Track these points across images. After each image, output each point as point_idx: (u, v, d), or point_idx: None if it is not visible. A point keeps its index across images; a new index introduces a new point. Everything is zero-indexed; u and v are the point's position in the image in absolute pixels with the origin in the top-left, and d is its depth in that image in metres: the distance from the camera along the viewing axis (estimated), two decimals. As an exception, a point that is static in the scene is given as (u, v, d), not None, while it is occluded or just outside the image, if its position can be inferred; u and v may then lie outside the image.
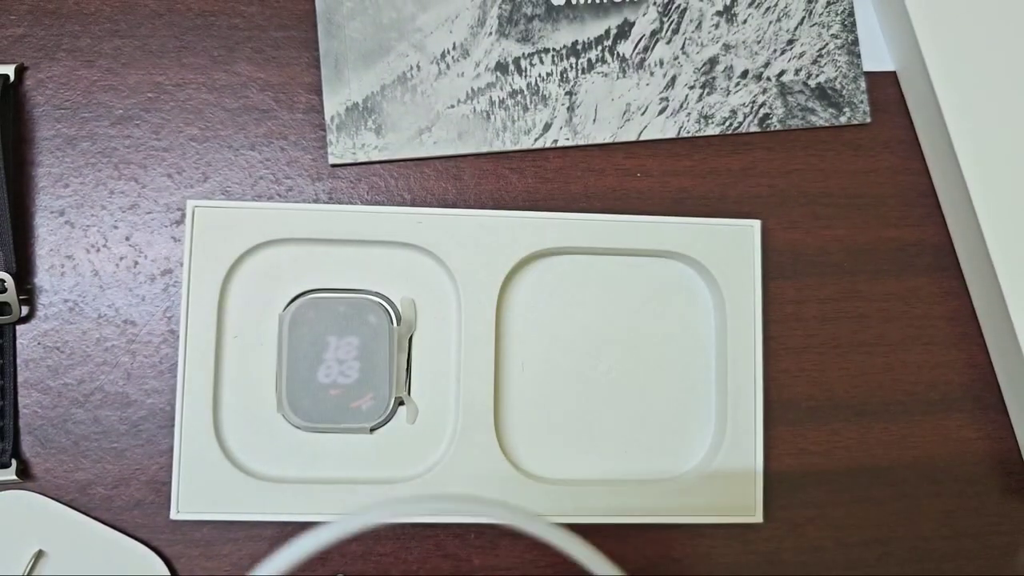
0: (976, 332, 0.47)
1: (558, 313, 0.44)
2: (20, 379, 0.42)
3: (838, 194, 0.47)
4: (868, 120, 0.47)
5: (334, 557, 0.43)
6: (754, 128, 0.46)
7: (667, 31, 0.46)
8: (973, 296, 0.46)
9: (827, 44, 0.47)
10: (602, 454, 0.43)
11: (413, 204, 0.45)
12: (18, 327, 0.43)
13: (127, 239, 0.43)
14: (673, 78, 0.46)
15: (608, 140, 0.45)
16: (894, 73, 0.48)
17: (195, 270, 0.41)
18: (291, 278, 0.42)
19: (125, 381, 0.43)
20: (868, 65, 0.47)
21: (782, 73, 0.46)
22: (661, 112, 0.46)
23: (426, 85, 0.45)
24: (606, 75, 0.46)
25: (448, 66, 0.45)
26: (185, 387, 0.40)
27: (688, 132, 0.46)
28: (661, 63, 0.46)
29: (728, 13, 0.46)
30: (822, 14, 0.47)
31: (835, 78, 0.47)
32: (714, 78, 0.46)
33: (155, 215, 0.44)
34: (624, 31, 0.46)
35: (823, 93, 0.47)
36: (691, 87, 0.46)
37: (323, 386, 0.41)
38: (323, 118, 0.45)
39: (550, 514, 0.41)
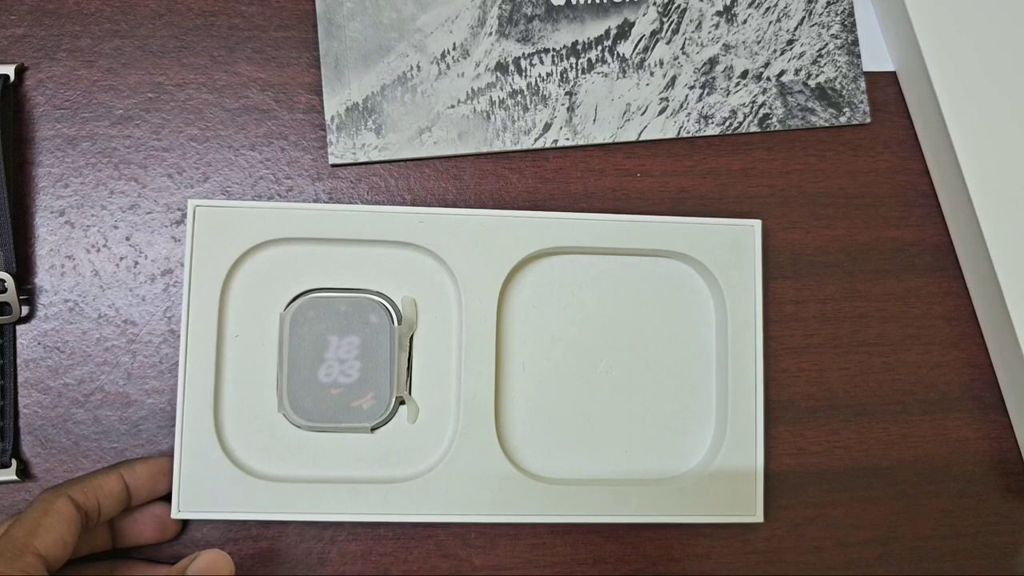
0: (976, 332, 0.47)
1: (558, 313, 0.44)
2: (20, 379, 0.42)
3: (838, 194, 0.47)
4: (868, 120, 0.47)
5: (334, 557, 0.43)
6: (754, 128, 0.46)
7: (667, 31, 0.46)
8: (973, 296, 0.46)
9: (827, 44, 0.47)
10: (602, 454, 0.43)
11: (413, 204, 0.45)
12: (18, 327, 0.43)
13: (127, 239, 0.43)
14: (673, 78, 0.46)
15: (608, 140, 0.45)
16: (894, 73, 0.48)
17: (196, 269, 0.41)
18: (292, 277, 0.42)
19: (125, 381, 0.43)
20: (868, 65, 0.47)
21: (782, 73, 0.47)
22: (661, 112, 0.46)
23: (426, 85, 0.45)
24: (606, 75, 0.46)
25: (448, 66, 0.45)
26: (186, 387, 0.40)
27: (688, 132, 0.46)
28: (661, 63, 0.46)
29: (728, 13, 0.46)
30: (822, 14, 0.47)
31: (835, 78, 0.47)
32: (714, 78, 0.46)
33: (155, 215, 0.44)
34: (624, 31, 0.46)
35: (823, 93, 0.47)
36: (691, 87, 0.46)
37: (324, 385, 0.41)
38: (323, 118, 0.45)
39: (550, 514, 0.41)
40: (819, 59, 0.47)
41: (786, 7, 0.47)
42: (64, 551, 0.34)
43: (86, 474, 0.38)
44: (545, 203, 0.45)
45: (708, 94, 0.46)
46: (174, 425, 0.41)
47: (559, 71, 0.45)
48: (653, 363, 0.44)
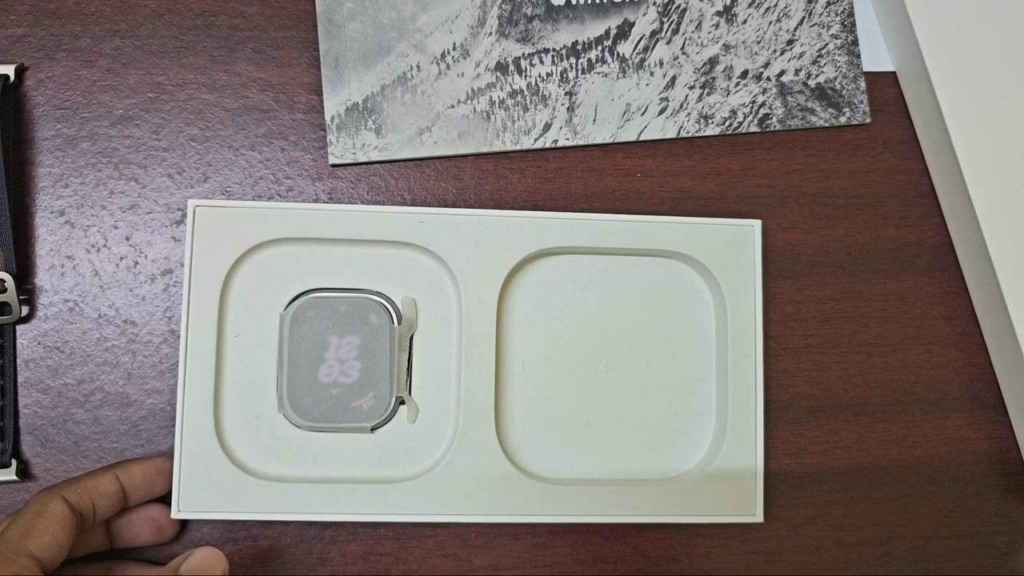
0: (976, 332, 0.47)
1: (558, 313, 0.44)
2: (20, 379, 0.42)
3: (838, 194, 0.47)
4: (868, 120, 0.47)
5: (334, 557, 0.43)
6: (754, 128, 0.46)
7: (667, 31, 0.46)
8: (973, 296, 0.46)
9: (827, 44, 0.47)
10: (602, 454, 0.43)
11: (413, 204, 0.45)
12: (18, 327, 0.42)
13: (127, 239, 0.43)
14: (673, 78, 0.46)
15: (608, 140, 0.45)
16: (894, 73, 0.48)
17: (196, 269, 0.41)
18: (292, 278, 0.42)
19: (125, 381, 0.43)
20: (868, 65, 0.47)
21: (782, 73, 0.47)
22: (661, 112, 0.46)
23: (426, 85, 0.45)
24: (606, 75, 0.46)
25: (448, 66, 0.45)
26: (186, 387, 0.40)
27: (688, 132, 0.46)
28: (661, 63, 0.46)
29: (728, 13, 0.46)
30: (822, 14, 0.47)
31: (835, 78, 0.47)
32: (714, 78, 0.46)
33: (155, 215, 0.44)
34: (624, 31, 0.46)
35: (823, 93, 0.47)
36: (691, 87, 0.46)
37: (324, 385, 0.41)
38: (323, 118, 0.45)
39: (550, 514, 0.41)
40: (819, 59, 0.47)
41: (786, 7, 0.47)
42: (59, 552, 0.34)
43: (81, 475, 0.38)
44: (545, 203, 0.45)
45: (708, 94, 0.46)
46: (174, 425, 0.41)
47: (559, 71, 0.45)
48: (653, 363, 0.44)
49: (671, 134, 0.46)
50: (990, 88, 0.45)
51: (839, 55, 0.47)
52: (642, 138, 0.46)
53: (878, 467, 0.46)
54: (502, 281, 0.42)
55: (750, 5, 0.46)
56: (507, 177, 0.45)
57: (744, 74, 0.46)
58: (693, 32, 0.46)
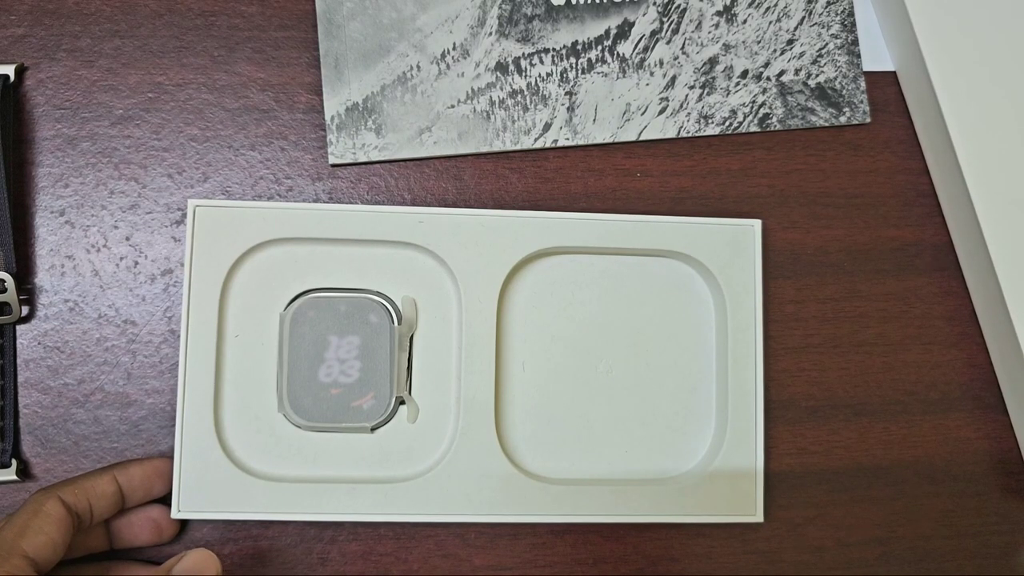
0: (976, 332, 0.47)
1: (558, 313, 0.44)
2: (20, 379, 0.42)
3: (838, 194, 0.47)
4: (868, 120, 0.47)
5: (334, 557, 0.43)
6: (754, 128, 0.46)
7: (667, 31, 0.46)
8: (973, 296, 0.46)
9: (827, 44, 0.47)
10: (602, 454, 0.43)
11: (413, 204, 0.45)
12: (18, 327, 0.42)
13: (127, 239, 0.43)
14: (673, 78, 0.46)
15: (608, 140, 0.45)
16: (894, 73, 0.48)
17: (196, 269, 0.41)
18: (292, 277, 0.42)
19: (125, 381, 0.43)
20: (868, 65, 0.47)
21: (782, 73, 0.47)
22: (661, 112, 0.46)
23: (426, 85, 0.45)
24: (606, 75, 0.46)
25: (448, 66, 0.45)
26: (186, 387, 0.40)
27: (688, 132, 0.46)
28: (661, 63, 0.46)
29: (728, 13, 0.46)
30: (822, 14, 0.47)
31: (835, 78, 0.47)
32: (714, 78, 0.46)
33: (155, 215, 0.44)
34: (624, 31, 0.46)
35: (823, 93, 0.47)
36: (691, 87, 0.46)
37: (324, 385, 0.41)
38: (323, 118, 0.45)
39: (550, 514, 0.41)
40: (819, 59, 0.47)
41: (786, 7, 0.47)
42: (54, 552, 0.34)
43: (79, 475, 0.38)
44: (545, 203, 0.45)
45: (708, 94, 0.46)
46: (174, 425, 0.41)
47: (559, 71, 0.45)
48: (653, 363, 0.44)
49: (671, 134, 0.46)
50: (990, 88, 0.45)
51: (839, 55, 0.47)
52: (642, 138, 0.46)
53: (878, 467, 0.46)
54: (502, 281, 0.42)
55: (750, 5, 0.46)
56: (507, 177, 0.45)
57: (744, 74, 0.46)
58: (693, 32, 0.46)
